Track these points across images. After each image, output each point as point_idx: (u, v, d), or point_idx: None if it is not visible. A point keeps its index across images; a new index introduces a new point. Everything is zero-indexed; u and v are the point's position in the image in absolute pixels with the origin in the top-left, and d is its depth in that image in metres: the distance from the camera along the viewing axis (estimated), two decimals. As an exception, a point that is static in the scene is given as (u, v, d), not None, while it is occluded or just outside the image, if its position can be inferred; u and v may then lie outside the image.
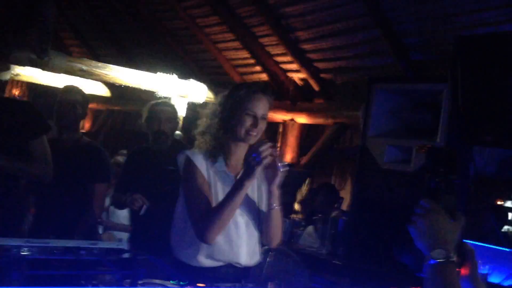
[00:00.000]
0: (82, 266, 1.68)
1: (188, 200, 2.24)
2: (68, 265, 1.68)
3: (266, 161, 2.12)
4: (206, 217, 2.14)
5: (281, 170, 2.20)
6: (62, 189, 3.25)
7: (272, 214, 2.27)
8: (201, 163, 2.24)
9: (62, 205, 3.24)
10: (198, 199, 2.20)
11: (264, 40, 5.63)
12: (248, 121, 2.24)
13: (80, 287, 1.36)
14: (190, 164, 2.23)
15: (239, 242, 2.25)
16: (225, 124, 2.27)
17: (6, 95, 6.69)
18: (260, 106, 2.26)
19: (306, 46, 5.34)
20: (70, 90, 3.47)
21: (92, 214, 3.37)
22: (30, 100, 6.48)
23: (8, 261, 1.58)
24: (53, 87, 6.16)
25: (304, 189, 6.66)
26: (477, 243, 4.01)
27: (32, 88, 6.61)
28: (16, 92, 7.67)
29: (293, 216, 5.19)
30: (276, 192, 2.25)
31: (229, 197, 2.15)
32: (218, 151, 2.28)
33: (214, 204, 2.20)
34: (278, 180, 2.23)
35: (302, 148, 6.11)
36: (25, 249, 1.65)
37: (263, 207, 2.33)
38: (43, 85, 6.42)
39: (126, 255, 1.83)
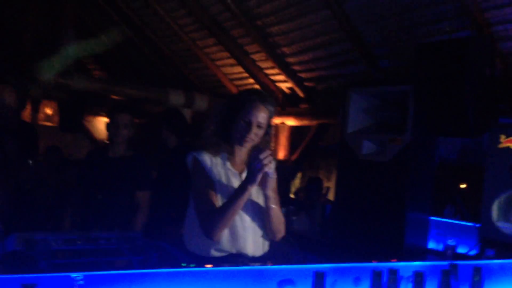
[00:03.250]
0: (101, 254, 1.64)
1: (195, 199, 2.13)
2: (90, 253, 1.65)
3: (267, 168, 1.95)
4: (211, 217, 2.01)
5: (271, 176, 2.02)
6: (110, 196, 3.19)
7: (271, 213, 2.11)
8: (206, 162, 2.11)
9: (110, 211, 3.14)
10: (203, 199, 2.07)
11: (255, 56, 5.60)
12: (243, 128, 2.08)
13: (100, 272, 1.32)
14: (196, 164, 2.11)
15: (245, 234, 2.11)
16: (224, 129, 2.14)
17: (41, 113, 6.66)
18: (256, 114, 2.07)
19: (291, 59, 5.31)
20: (119, 111, 3.30)
21: (137, 220, 3.16)
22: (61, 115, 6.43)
23: (37, 252, 1.55)
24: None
25: (296, 181, 6.65)
26: (445, 219, 3.99)
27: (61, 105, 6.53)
28: (49, 111, 7.62)
29: (289, 204, 5.16)
30: (271, 195, 2.08)
31: (232, 199, 2.01)
32: (219, 148, 2.13)
33: (219, 200, 2.07)
34: (272, 185, 2.06)
35: (292, 147, 6.08)
36: (52, 241, 1.62)
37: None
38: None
39: (139, 243, 1.79)
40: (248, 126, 2.09)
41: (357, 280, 1.70)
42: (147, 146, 5.79)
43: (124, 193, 3.19)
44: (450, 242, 3.23)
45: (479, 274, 1.78)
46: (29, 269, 1.44)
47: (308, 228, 4.63)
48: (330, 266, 1.67)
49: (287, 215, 4.73)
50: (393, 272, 1.62)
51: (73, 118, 6.27)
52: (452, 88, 3.29)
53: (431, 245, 3.84)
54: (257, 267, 1.74)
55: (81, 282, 1.15)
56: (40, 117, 6.59)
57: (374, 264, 1.71)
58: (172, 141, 3.71)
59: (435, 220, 3.93)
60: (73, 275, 1.15)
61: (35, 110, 6.56)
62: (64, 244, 1.61)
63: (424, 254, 3.73)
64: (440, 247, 3.68)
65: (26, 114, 6.42)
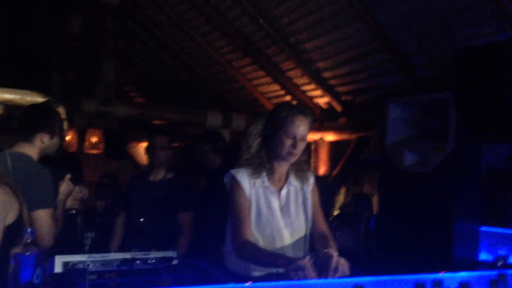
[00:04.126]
0: (138, 274, 1.64)
1: (230, 217, 2.13)
2: (127, 274, 1.65)
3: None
4: (243, 245, 2.01)
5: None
6: (152, 219, 3.23)
7: None
8: (244, 180, 2.10)
9: (153, 233, 3.17)
10: (238, 220, 2.07)
11: (291, 73, 5.60)
12: (288, 142, 2.09)
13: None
14: (234, 183, 2.11)
15: (286, 252, 2.09)
16: (267, 144, 2.13)
17: (86, 142, 6.82)
18: (300, 128, 2.10)
19: (327, 74, 5.28)
20: (156, 134, 3.37)
21: (181, 241, 3.17)
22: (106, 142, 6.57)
23: (75, 274, 1.56)
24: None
25: (340, 197, 6.54)
26: (496, 229, 3.81)
27: (106, 133, 6.68)
28: (94, 139, 7.81)
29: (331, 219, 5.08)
30: None
31: (262, 261, 2.03)
32: (261, 168, 2.12)
33: (255, 220, 2.07)
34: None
35: (332, 162, 6.00)
36: (89, 263, 1.63)
37: (309, 218, 2.19)
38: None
39: (175, 262, 1.78)
40: (294, 140, 2.09)
41: (399, 293, 1.63)
42: (188, 167, 5.84)
43: (165, 216, 3.22)
44: (501, 252, 3.07)
45: (531, 284, 1.68)
46: (67, 291, 1.46)
47: (353, 243, 4.53)
48: (370, 278, 1.61)
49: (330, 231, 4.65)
50: (437, 283, 1.55)
51: (117, 145, 6.42)
52: (494, 92, 3.17)
53: (483, 256, 3.67)
54: (294, 282, 1.69)
55: (114, 301, 1.14)
56: (86, 145, 6.75)
57: (416, 275, 1.63)
58: (216, 161, 3.72)
59: (486, 231, 3.76)
60: (106, 294, 1.14)
61: (82, 139, 6.72)
62: (102, 265, 1.62)
63: (475, 266, 3.57)
64: (491, 258, 3.51)
65: (73, 143, 6.60)
